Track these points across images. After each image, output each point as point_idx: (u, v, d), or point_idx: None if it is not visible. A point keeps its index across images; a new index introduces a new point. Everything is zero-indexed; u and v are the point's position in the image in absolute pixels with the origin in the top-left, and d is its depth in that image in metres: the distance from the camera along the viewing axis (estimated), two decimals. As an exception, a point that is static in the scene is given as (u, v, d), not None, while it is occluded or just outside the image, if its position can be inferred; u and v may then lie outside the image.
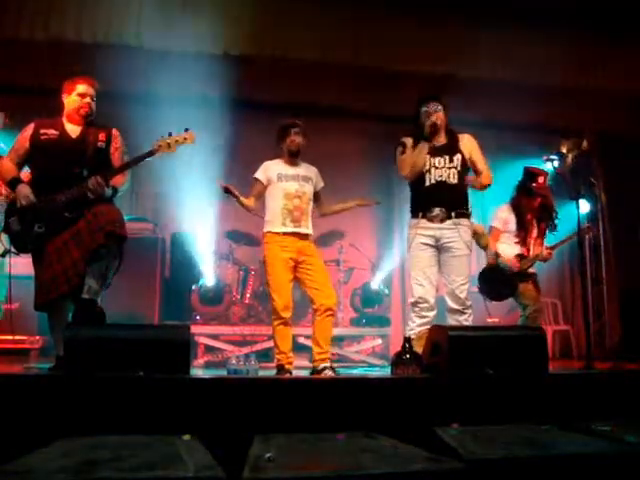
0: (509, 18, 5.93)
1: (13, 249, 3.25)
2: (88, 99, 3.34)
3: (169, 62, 5.59)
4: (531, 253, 4.45)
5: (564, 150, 7.57)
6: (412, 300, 3.58)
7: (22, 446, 1.79)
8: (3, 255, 3.32)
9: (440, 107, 3.67)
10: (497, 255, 4.40)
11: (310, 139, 4.02)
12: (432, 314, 3.54)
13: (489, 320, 6.13)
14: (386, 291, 6.18)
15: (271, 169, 3.91)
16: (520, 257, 4.39)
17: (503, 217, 4.50)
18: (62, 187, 3.16)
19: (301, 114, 6.65)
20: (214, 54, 5.36)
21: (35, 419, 2.15)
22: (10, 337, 4.86)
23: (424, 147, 3.57)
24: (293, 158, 3.93)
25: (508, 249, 4.45)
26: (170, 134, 3.33)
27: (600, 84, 5.97)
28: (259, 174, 3.93)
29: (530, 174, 4.51)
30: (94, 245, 3.09)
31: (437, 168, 3.57)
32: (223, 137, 6.50)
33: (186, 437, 2.01)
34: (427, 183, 3.58)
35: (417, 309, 3.54)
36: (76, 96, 3.33)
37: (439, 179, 3.57)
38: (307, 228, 3.84)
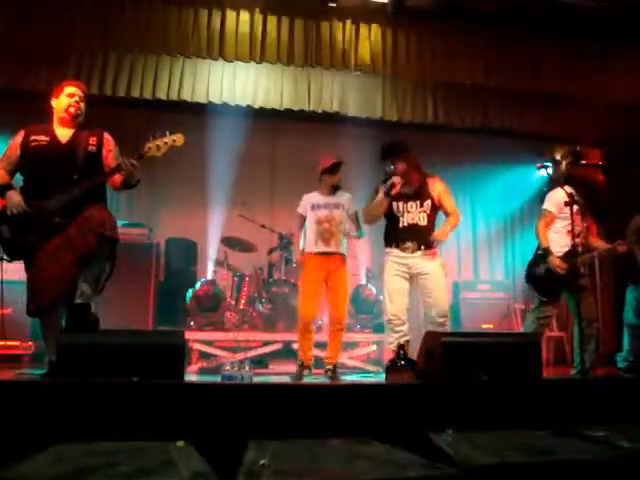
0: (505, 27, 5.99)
1: (5, 256, 3.22)
2: (76, 98, 3.33)
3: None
4: (582, 243, 4.09)
5: (558, 157, 7.61)
6: (386, 318, 3.91)
7: (15, 453, 1.77)
8: None
9: (392, 167, 3.96)
10: (549, 252, 4.03)
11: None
12: (405, 327, 3.86)
13: (484, 326, 6.17)
14: (380, 297, 6.17)
15: (307, 201, 4.45)
16: (570, 255, 4.02)
17: (559, 200, 4.04)
18: (54, 193, 3.15)
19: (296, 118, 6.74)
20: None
21: (28, 426, 2.14)
22: (2, 343, 4.84)
23: (383, 201, 3.91)
24: (333, 190, 4.41)
25: (559, 241, 4.08)
26: (159, 136, 3.33)
27: (597, 92, 6.00)
28: (300, 208, 4.49)
29: (578, 154, 4.35)
30: (86, 249, 3.08)
31: (409, 212, 3.93)
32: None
33: (180, 444, 2.00)
34: (401, 225, 3.94)
35: (391, 325, 3.87)
36: (64, 97, 3.32)
37: (411, 222, 3.93)
38: (336, 247, 4.30)
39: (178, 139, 3.36)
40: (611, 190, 6.21)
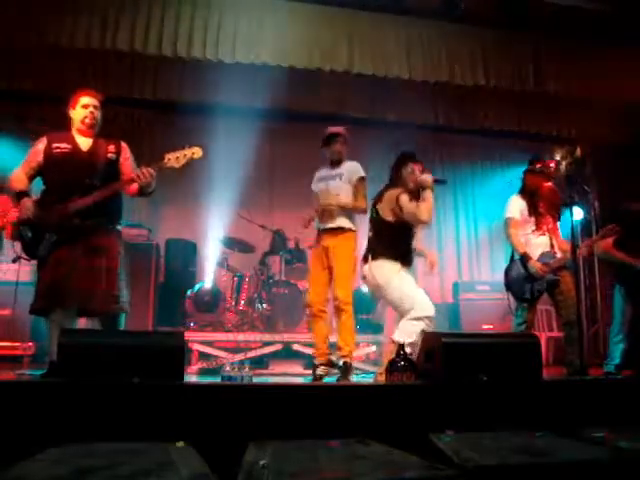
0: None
1: (24, 255, 3.33)
2: (91, 109, 3.47)
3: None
4: (555, 247, 4.16)
5: (558, 158, 7.63)
6: (428, 314, 3.62)
7: (14, 454, 1.77)
8: (14, 261, 3.40)
9: (418, 173, 3.83)
10: (528, 257, 4.06)
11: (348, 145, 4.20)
12: None
13: (484, 327, 6.17)
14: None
15: (315, 176, 4.23)
16: (547, 257, 4.09)
17: (519, 206, 4.19)
18: (75, 197, 3.29)
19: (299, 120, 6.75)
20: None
21: (28, 426, 2.14)
22: (2, 343, 4.84)
23: (431, 196, 3.71)
24: (334, 164, 4.15)
25: (532, 246, 4.13)
26: (179, 148, 3.44)
27: (594, 93, 6.01)
28: (312, 184, 4.24)
29: (540, 159, 4.36)
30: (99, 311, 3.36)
31: (416, 231, 3.88)
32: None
33: (180, 444, 2.00)
34: (412, 240, 3.86)
35: (427, 321, 3.62)
36: (80, 108, 3.46)
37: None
38: (333, 223, 3.99)
39: (197, 152, 3.46)
40: (604, 188, 6.26)
